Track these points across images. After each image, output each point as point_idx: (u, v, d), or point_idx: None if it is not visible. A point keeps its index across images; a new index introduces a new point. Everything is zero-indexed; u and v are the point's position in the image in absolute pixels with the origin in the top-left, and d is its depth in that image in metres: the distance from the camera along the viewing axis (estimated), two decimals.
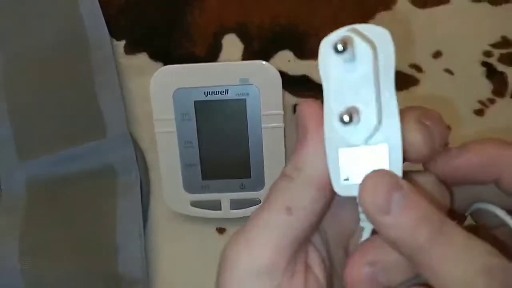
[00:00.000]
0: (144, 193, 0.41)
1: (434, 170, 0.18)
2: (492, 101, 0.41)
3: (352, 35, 0.16)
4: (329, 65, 0.16)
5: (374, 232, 0.18)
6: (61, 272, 0.39)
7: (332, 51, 0.15)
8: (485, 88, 0.41)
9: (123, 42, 0.41)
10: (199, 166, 0.40)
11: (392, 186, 0.16)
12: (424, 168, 0.19)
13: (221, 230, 0.42)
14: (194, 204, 0.40)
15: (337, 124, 0.16)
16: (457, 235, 0.16)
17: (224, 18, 0.40)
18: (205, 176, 0.40)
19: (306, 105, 0.18)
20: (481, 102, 0.41)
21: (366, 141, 0.17)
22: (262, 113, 0.38)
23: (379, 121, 0.16)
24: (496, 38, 0.40)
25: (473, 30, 0.41)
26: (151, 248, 0.43)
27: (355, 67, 0.16)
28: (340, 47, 0.15)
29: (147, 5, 0.41)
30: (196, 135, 0.39)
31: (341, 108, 0.16)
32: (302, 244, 0.19)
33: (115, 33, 0.40)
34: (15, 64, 0.40)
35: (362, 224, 0.18)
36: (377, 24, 0.17)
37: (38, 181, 0.40)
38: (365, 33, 0.16)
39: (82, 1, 0.39)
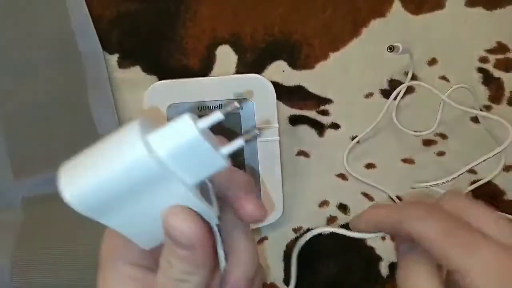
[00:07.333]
0: None
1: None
2: (488, 108, 0.40)
3: None
4: None
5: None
6: None
7: None
8: (481, 94, 0.40)
9: (116, 56, 0.40)
10: None
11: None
12: None
13: None
14: None
15: None
16: None
17: (217, 29, 0.40)
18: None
19: None
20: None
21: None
22: (257, 127, 0.38)
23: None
24: (491, 43, 0.40)
25: (468, 35, 0.40)
26: None
27: None
28: None
29: (139, 17, 0.40)
30: None
31: None
32: None
33: (107, 47, 0.40)
34: (8, 83, 0.39)
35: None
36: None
37: (33, 200, 0.40)
38: None
39: (74, 17, 0.39)
